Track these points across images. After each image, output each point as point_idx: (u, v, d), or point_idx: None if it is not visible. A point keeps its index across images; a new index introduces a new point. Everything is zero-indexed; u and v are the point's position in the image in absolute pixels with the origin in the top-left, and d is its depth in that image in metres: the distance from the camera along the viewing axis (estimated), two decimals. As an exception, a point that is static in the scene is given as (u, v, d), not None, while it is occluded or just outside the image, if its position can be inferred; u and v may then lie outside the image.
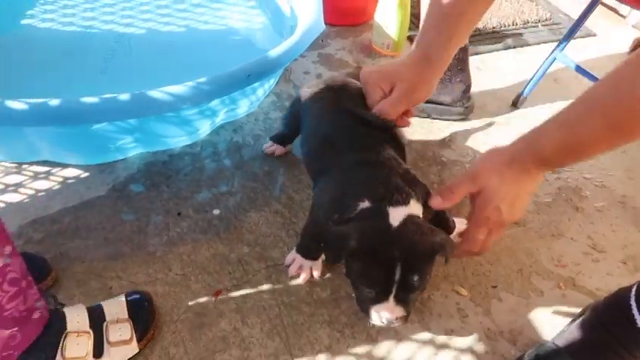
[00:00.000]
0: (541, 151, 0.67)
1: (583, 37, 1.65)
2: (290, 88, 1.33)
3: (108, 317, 0.75)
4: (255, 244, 0.93)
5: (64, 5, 1.57)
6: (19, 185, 1.02)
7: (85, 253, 0.90)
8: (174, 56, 1.38)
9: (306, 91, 0.93)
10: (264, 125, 1.20)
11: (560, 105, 0.64)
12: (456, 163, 1.15)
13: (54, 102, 0.85)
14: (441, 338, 0.81)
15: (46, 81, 1.25)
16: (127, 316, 0.75)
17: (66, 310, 0.74)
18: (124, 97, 0.87)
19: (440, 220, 0.78)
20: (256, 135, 1.17)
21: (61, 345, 0.69)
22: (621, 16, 1.78)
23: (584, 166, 1.17)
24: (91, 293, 0.84)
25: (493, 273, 0.91)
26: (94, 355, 0.71)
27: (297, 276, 0.87)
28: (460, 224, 0.96)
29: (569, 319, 0.82)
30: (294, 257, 0.88)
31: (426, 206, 0.72)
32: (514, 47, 1.59)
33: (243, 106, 1.16)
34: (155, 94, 0.88)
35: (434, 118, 1.26)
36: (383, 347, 0.79)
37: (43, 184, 1.02)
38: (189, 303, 0.83)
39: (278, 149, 1.10)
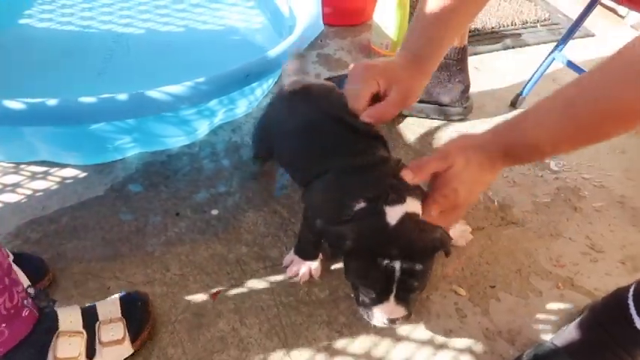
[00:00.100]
0: (509, 145, 0.67)
1: (582, 37, 1.65)
2: (289, 88, 1.33)
3: (101, 317, 0.74)
4: (253, 244, 0.93)
5: (62, 5, 1.57)
6: (16, 185, 1.01)
7: (82, 253, 0.90)
8: (173, 56, 1.38)
9: (275, 106, 0.90)
10: (262, 125, 1.20)
11: (558, 105, 0.64)
12: (454, 163, 1.14)
13: (52, 102, 0.85)
14: (440, 338, 0.81)
15: (44, 81, 1.25)
16: (119, 316, 0.75)
17: (59, 310, 0.73)
18: (123, 97, 0.87)
19: None
20: (255, 135, 1.17)
21: (52, 345, 0.69)
22: (620, 16, 1.78)
23: (583, 167, 1.17)
24: (89, 294, 0.83)
25: (491, 273, 0.91)
26: (87, 356, 0.71)
27: (296, 277, 0.87)
28: (462, 226, 0.97)
29: (568, 319, 0.82)
30: (292, 258, 0.88)
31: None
32: (513, 47, 1.59)
33: (242, 106, 1.16)
34: (153, 94, 0.88)
35: (433, 119, 1.26)
36: (381, 347, 0.79)
37: (40, 184, 1.02)
38: (188, 303, 0.83)
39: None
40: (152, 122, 1.00)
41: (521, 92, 1.31)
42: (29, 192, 1.00)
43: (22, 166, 1.06)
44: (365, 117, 0.74)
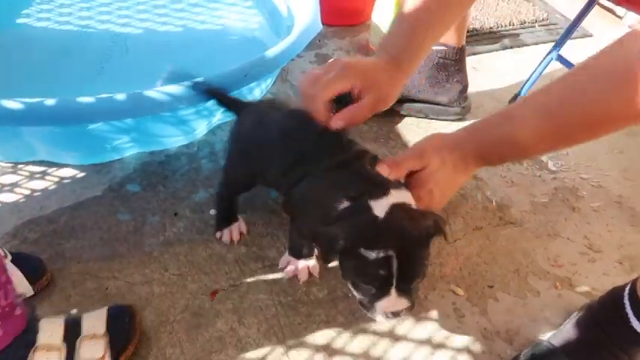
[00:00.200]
0: (483, 144, 0.67)
1: (580, 37, 1.65)
2: (287, 88, 1.33)
3: (84, 331, 0.71)
4: (252, 244, 0.93)
5: (60, 4, 1.57)
6: (14, 185, 1.01)
7: (80, 253, 0.89)
8: (171, 56, 1.38)
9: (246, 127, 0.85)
10: (261, 125, 1.20)
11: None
12: (452, 163, 1.15)
13: (50, 102, 0.85)
14: (438, 338, 0.81)
15: (42, 80, 1.24)
16: (103, 331, 0.72)
17: (41, 322, 0.71)
18: (121, 96, 0.87)
19: None
20: (253, 135, 1.17)
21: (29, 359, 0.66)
22: (618, 17, 1.78)
23: (581, 167, 1.17)
24: (87, 294, 0.83)
25: (489, 273, 0.92)
26: None
27: (295, 276, 0.87)
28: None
29: (565, 319, 0.82)
30: (288, 260, 0.88)
31: None
32: (511, 47, 1.59)
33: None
34: (152, 93, 0.88)
35: (431, 119, 1.26)
36: (380, 347, 0.79)
37: (39, 184, 1.02)
38: (186, 303, 0.83)
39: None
40: (150, 122, 1.00)
41: (520, 92, 1.32)
42: (27, 192, 1.00)
43: (20, 165, 1.05)
44: (336, 120, 0.71)
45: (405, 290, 0.63)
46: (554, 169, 1.16)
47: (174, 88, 0.89)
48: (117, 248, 0.91)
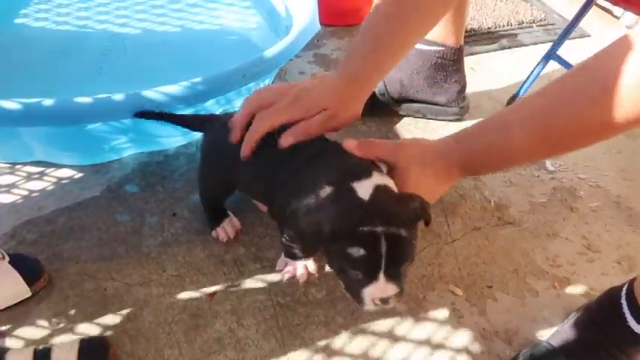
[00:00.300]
0: (470, 153, 0.67)
1: (577, 37, 1.66)
2: (285, 89, 1.33)
3: None
4: (250, 244, 0.93)
5: (58, 4, 1.56)
6: (12, 186, 1.01)
7: (79, 254, 0.89)
8: (170, 56, 1.38)
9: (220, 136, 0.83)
10: (259, 125, 1.20)
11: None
12: (451, 163, 1.15)
13: (47, 102, 0.85)
14: (437, 338, 0.81)
15: (41, 81, 1.24)
16: None
17: (8, 353, 0.68)
18: (119, 97, 0.87)
19: None
20: (252, 135, 1.17)
21: None
22: (615, 17, 1.79)
23: (579, 167, 1.17)
24: (85, 294, 0.83)
25: (488, 273, 0.92)
26: None
27: (294, 277, 0.87)
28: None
29: (564, 319, 0.82)
30: (285, 261, 0.88)
31: None
32: (509, 48, 1.59)
33: (239, 106, 1.16)
34: (150, 94, 0.88)
35: (429, 119, 1.26)
36: (379, 348, 0.79)
37: (36, 185, 1.01)
38: (184, 304, 0.83)
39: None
40: (148, 122, 0.99)
41: (518, 92, 1.32)
42: (25, 192, 1.00)
43: (18, 166, 1.05)
44: (286, 137, 0.69)
45: (393, 275, 0.60)
46: (552, 169, 1.16)
47: (174, 88, 0.89)
48: (115, 249, 0.91)
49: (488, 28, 1.67)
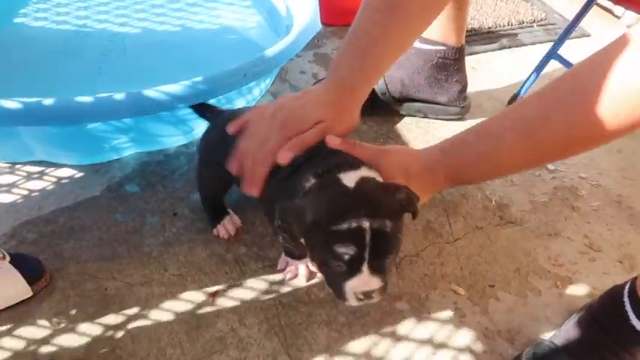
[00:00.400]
0: (456, 163, 0.67)
1: (578, 37, 1.66)
2: (286, 88, 1.33)
3: None
4: (252, 244, 0.93)
5: (57, 4, 1.56)
6: (12, 185, 1.01)
7: (79, 253, 0.89)
8: (170, 55, 1.37)
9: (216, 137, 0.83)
10: (260, 125, 1.19)
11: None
12: (452, 162, 1.14)
13: (47, 101, 0.84)
14: (439, 338, 0.81)
15: (41, 80, 1.24)
16: None
17: None
18: (119, 96, 0.86)
19: None
20: (252, 135, 1.16)
21: None
22: (616, 16, 1.79)
23: (580, 166, 1.17)
24: (86, 294, 0.83)
25: (490, 272, 0.91)
26: None
27: (296, 277, 0.87)
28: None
29: (567, 318, 0.82)
30: (286, 260, 0.87)
31: None
32: (509, 47, 1.60)
33: (239, 106, 1.16)
34: (150, 93, 0.88)
35: (430, 118, 1.26)
36: (381, 347, 0.79)
37: (36, 184, 1.01)
38: (186, 304, 0.83)
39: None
40: (149, 122, 0.99)
41: (519, 92, 1.32)
42: (25, 192, 0.99)
43: (18, 166, 1.05)
44: (284, 153, 0.67)
45: (377, 268, 0.58)
46: (553, 168, 1.16)
47: (175, 88, 0.89)
48: (116, 249, 0.90)
49: (489, 27, 1.67)
